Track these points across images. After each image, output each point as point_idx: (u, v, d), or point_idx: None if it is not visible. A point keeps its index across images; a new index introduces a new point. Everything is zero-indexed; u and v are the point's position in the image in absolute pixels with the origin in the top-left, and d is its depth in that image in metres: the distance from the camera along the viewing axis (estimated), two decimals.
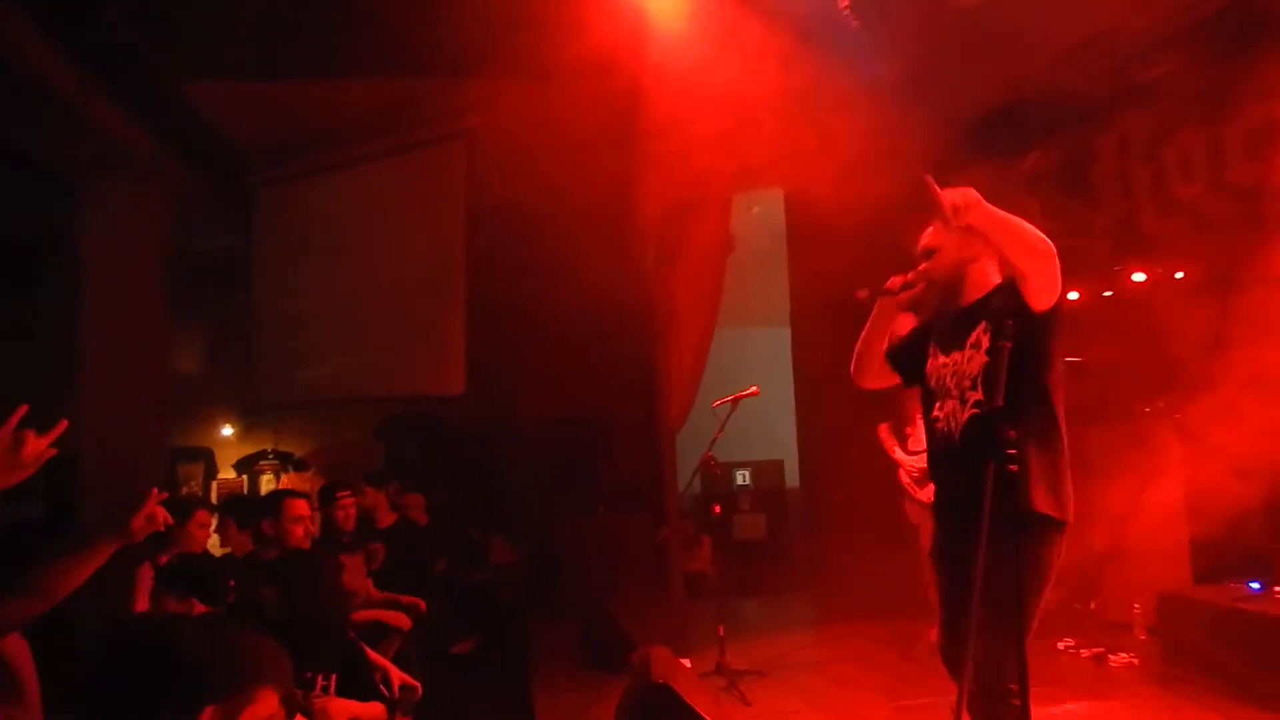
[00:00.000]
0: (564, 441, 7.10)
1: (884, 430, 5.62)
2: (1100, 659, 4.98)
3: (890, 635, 5.62)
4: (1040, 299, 2.61)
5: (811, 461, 7.48)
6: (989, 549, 2.32)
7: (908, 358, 3.05)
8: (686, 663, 4.96)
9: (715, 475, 6.46)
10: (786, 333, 7.81)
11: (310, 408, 8.94)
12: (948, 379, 2.84)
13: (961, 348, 2.80)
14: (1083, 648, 5.12)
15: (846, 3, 5.30)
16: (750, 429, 7.13)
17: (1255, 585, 4.63)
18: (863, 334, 3.07)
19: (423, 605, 5.05)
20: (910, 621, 5.53)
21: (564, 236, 6.78)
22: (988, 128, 6.26)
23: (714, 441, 5.18)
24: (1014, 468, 2.37)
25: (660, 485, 6.36)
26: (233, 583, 3.43)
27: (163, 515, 2.60)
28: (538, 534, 6.76)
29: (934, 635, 5.06)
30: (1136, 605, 5.28)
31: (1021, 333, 2.52)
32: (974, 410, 2.72)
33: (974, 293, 2.84)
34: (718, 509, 5.46)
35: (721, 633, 4.98)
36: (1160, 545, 5.28)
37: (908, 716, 4.25)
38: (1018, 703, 2.40)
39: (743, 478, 7.62)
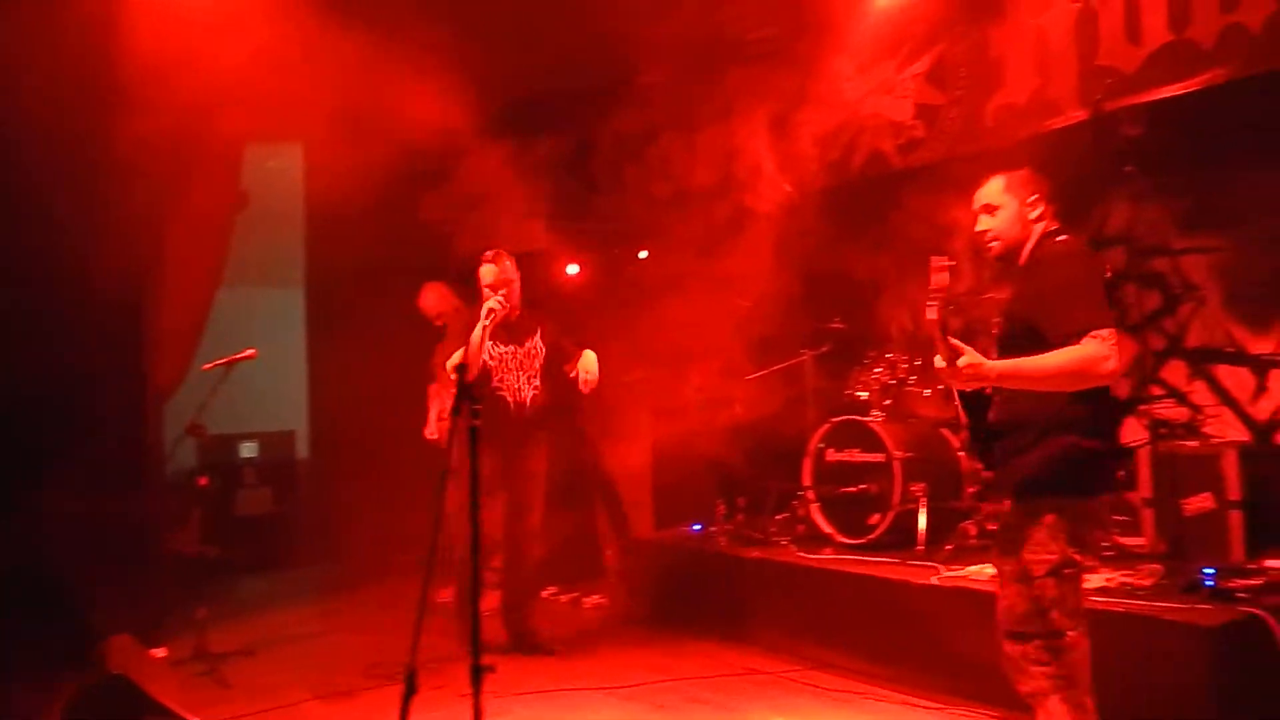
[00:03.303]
0: (29, 412, 6.04)
1: None
2: (576, 602, 5.55)
3: (395, 599, 5.69)
4: None
5: (323, 430, 7.29)
6: None
7: None
8: (161, 651, 4.59)
9: (208, 445, 6.01)
10: (300, 295, 7.50)
11: None
12: None
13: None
14: (563, 593, 5.66)
15: None
16: (261, 398, 6.73)
17: (697, 527, 5.51)
18: None
19: None
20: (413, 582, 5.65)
21: (30, 172, 5.74)
22: (512, 109, 6.56)
23: (203, 409, 4.80)
24: None
25: (145, 458, 5.74)
26: None
27: None
28: None
29: (445, 595, 5.22)
30: (609, 551, 5.97)
31: None
32: None
33: None
34: (204, 481, 5.07)
35: (203, 615, 4.65)
36: (632, 497, 6.02)
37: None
38: None
39: (250, 450, 7.15)
